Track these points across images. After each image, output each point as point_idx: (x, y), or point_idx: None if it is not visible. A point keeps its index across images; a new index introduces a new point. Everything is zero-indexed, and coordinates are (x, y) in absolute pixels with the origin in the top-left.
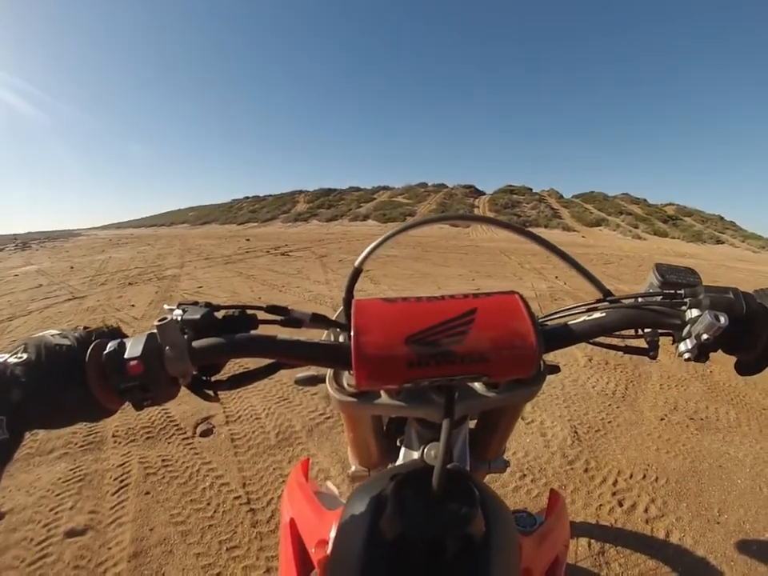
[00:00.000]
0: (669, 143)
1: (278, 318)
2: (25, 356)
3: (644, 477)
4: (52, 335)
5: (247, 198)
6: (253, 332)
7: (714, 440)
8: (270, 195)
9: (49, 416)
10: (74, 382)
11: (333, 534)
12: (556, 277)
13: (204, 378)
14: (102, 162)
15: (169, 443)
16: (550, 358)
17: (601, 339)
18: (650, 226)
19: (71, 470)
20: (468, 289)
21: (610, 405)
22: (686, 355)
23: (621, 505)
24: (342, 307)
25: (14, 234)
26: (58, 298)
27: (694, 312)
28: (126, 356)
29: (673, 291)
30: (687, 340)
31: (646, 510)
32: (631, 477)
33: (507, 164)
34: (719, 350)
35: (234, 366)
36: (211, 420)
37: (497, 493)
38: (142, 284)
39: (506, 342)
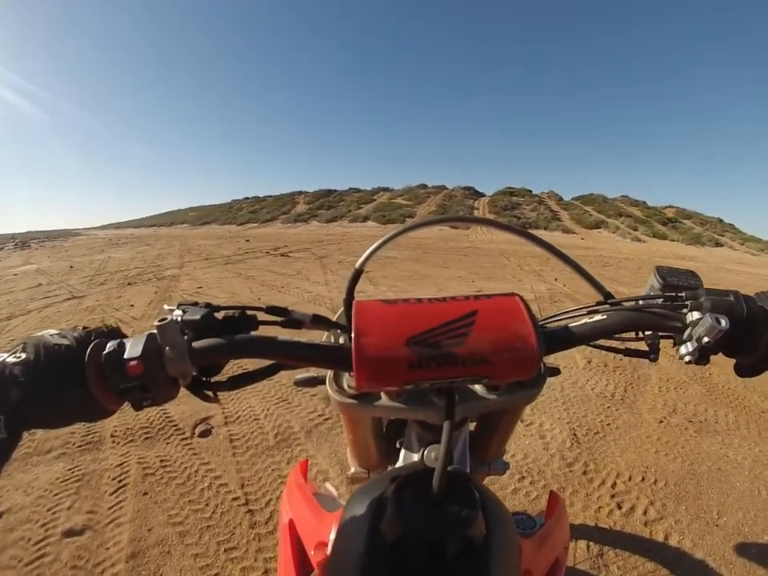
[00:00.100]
0: (668, 145)
1: (279, 318)
2: (23, 356)
3: (643, 479)
4: (51, 335)
5: (247, 198)
6: (253, 333)
7: (713, 443)
8: (270, 196)
9: (47, 416)
10: (73, 381)
11: (332, 536)
12: (555, 279)
13: (204, 378)
14: (102, 161)
15: (167, 444)
16: (550, 360)
17: (601, 342)
18: (649, 229)
19: (69, 469)
20: (468, 290)
21: (608, 407)
22: (687, 358)
23: (620, 507)
24: (342, 308)
25: (12, 234)
26: (57, 297)
27: (695, 315)
28: (125, 356)
29: (674, 294)
30: (688, 342)
31: (644, 513)
32: (630, 479)
33: (507, 165)
34: (720, 353)
35: (233, 367)
36: (210, 421)
37: (497, 495)
38: (141, 284)
39: (506, 344)
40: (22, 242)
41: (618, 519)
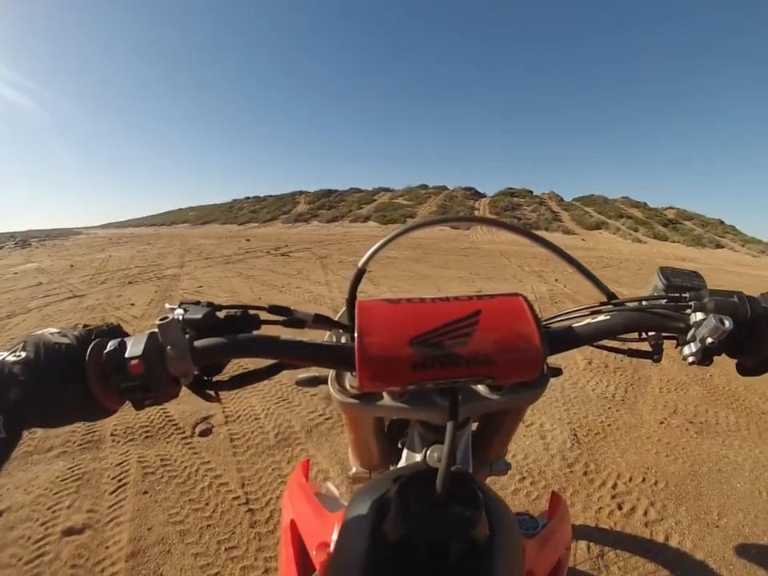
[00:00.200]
0: (669, 146)
1: (281, 318)
2: (23, 354)
3: (643, 480)
4: (51, 333)
5: (248, 198)
6: (255, 332)
7: (714, 444)
8: (271, 196)
9: (47, 415)
10: (74, 380)
11: (335, 536)
12: (556, 280)
13: (205, 378)
14: (103, 160)
15: (167, 443)
16: (551, 360)
17: (604, 342)
18: (650, 230)
19: (69, 468)
20: (468, 291)
21: (609, 408)
22: (691, 359)
23: (620, 508)
24: (344, 308)
25: (11, 233)
26: (57, 296)
27: (699, 315)
28: (126, 355)
29: (678, 294)
30: (692, 343)
31: (645, 514)
32: (631, 480)
33: (507, 166)
34: (723, 354)
35: (234, 367)
36: (210, 420)
37: (500, 496)
38: (141, 283)
39: (510, 345)
40: (23, 240)
41: (619, 520)
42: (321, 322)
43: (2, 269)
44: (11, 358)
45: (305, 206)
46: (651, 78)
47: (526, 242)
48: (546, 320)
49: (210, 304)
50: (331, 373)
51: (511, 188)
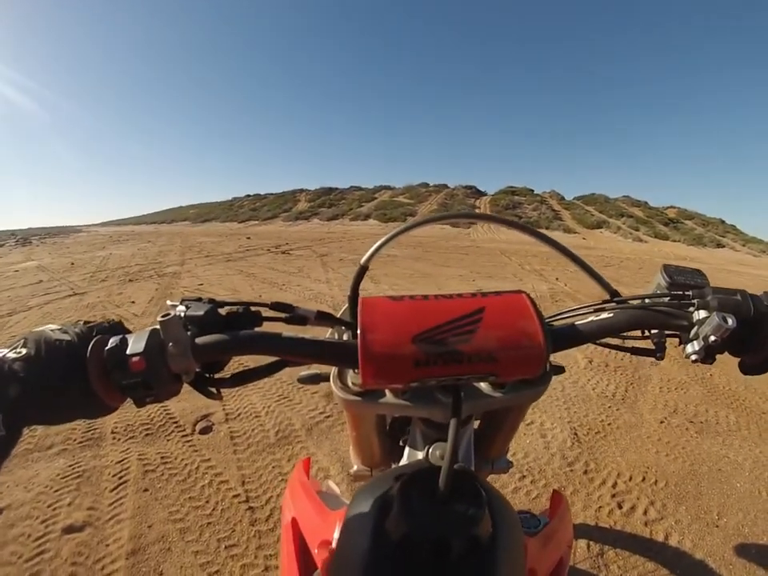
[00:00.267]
0: (670, 145)
1: (283, 315)
2: (24, 351)
3: (643, 479)
4: (52, 330)
5: (248, 196)
6: (257, 329)
7: (714, 443)
8: (272, 193)
9: (47, 412)
10: (75, 377)
11: (336, 535)
12: (556, 278)
13: (207, 375)
14: (103, 158)
15: (168, 440)
16: (553, 358)
17: (607, 340)
18: (650, 229)
19: (70, 466)
20: (469, 290)
21: (609, 407)
22: (693, 356)
23: (620, 507)
24: (346, 305)
25: (12, 230)
26: (58, 294)
27: (702, 313)
28: (128, 352)
29: (681, 292)
30: (694, 341)
31: (645, 513)
32: (631, 479)
33: (508, 165)
34: (726, 352)
35: (234, 365)
36: (210, 417)
37: (502, 494)
38: (142, 281)
39: (513, 342)
40: (23, 238)
41: (619, 519)
42: (323, 318)
43: (2, 266)
44: (11, 355)
45: (305, 203)
46: (653, 78)
47: (527, 240)
48: (548, 317)
49: (211, 301)
50: (333, 370)
51: (512, 186)
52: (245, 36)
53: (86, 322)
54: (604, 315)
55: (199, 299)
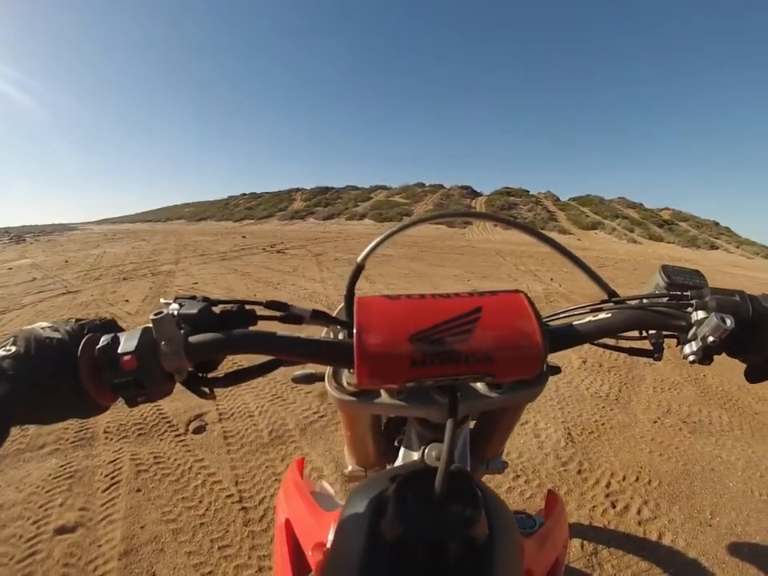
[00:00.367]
0: (666, 147)
1: (278, 313)
2: (13, 349)
3: (637, 479)
4: (43, 328)
5: (244, 194)
6: (251, 328)
7: (707, 443)
8: (267, 192)
9: (37, 411)
10: (65, 376)
11: (331, 536)
12: (551, 279)
13: (200, 374)
14: (98, 156)
15: (161, 440)
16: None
17: (605, 340)
18: (645, 231)
19: (62, 466)
20: (464, 289)
21: (603, 407)
22: (691, 357)
23: (614, 506)
24: (342, 304)
25: (6, 228)
26: (52, 291)
27: (700, 314)
28: (119, 350)
29: (679, 293)
30: (693, 342)
31: (638, 512)
32: (624, 479)
33: (504, 165)
34: (723, 353)
35: (228, 364)
36: (204, 417)
37: (498, 495)
38: (136, 279)
39: (511, 342)
40: (17, 236)
41: (612, 518)
42: (319, 317)
43: None
44: (1, 353)
45: (301, 203)
46: (651, 78)
47: (523, 241)
48: (546, 317)
49: (205, 299)
50: (328, 370)
51: (508, 187)
52: (242, 34)
53: (77, 320)
54: (602, 315)
55: (193, 297)
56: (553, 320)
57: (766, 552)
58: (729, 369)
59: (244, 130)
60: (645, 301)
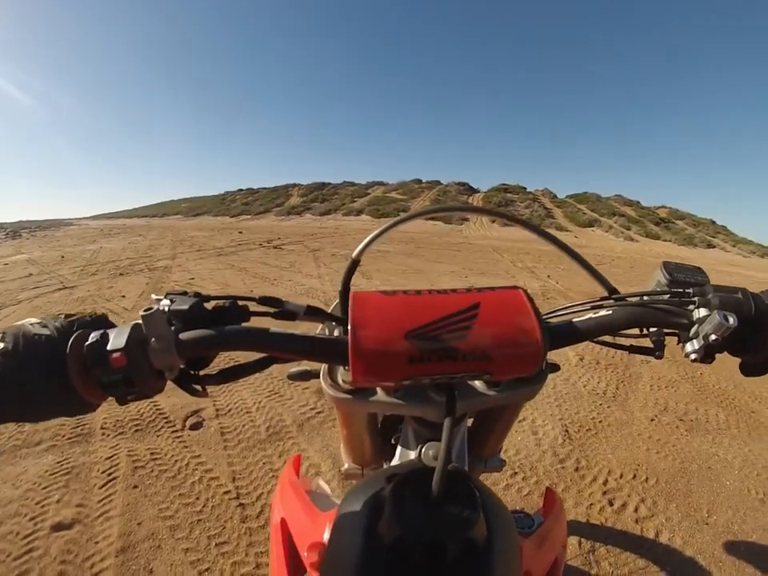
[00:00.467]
0: (663, 146)
1: (271, 309)
2: (1, 345)
3: (634, 477)
4: (32, 324)
5: (241, 190)
6: (244, 324)
7: (704, 442)
8: (264, 188)
9: (25, 409)
10: (54, 373)
11: (327, 536)
12: (548, 276)
13: (192, 371)
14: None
15: (158, 436)
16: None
17: (605, 338)
18: (642, 228)
19: (59, 462)
20: (461, 286)
21: (600, 404)
22: (693, 356)
23: (611, 504)
24: (337, 301)
25: (1, 223)
26: (48, 287)
27: (702, 311)
28: (108, 347)
29: (681, 290)
30: (694, 340)
31: (636, 510)
32: (621, 476)
33: (502, 162)
34: (725, 352)
35: (225, 360)
36: (201, 413)
37: (497, 494)
38: (133, 275)
39: (510, 339)
40: (13, 231)
41: (610, 516)
42: (313, 313)
43: None
44: None
45: (298, 198)
46: (649, 79)
47: (520, 238)
48: (545, 314)
49: (197, 294)
50: (323, 367)
51: (505, 184)
52: (240, 31)
53: (66, 316)
54: (602, 312)
55: (184, 293)
56: (552, 317)
57: (763, 551)
58: (725, 367)
59: (241, 126)
60: (646, 298)
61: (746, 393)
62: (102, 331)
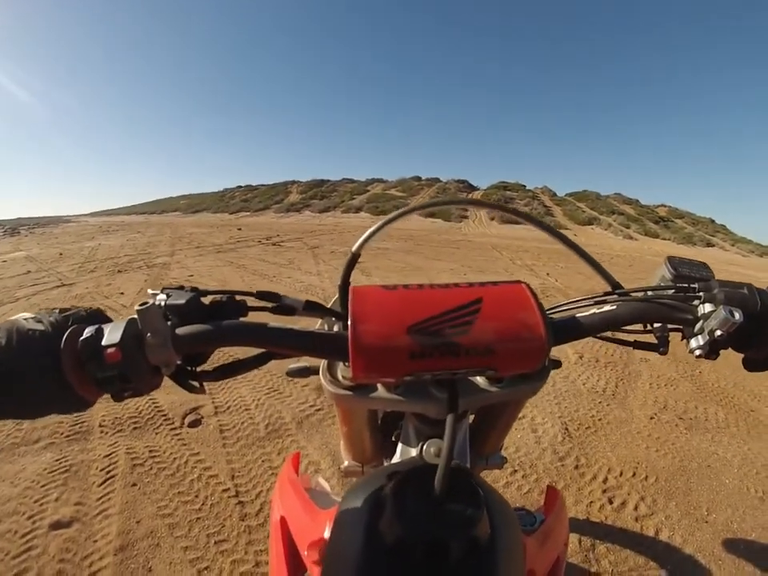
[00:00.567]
0: (663, 144)
1: (269, 304)
2: None
3: (634, 475)
4: (26, 319)
5: (240, 187)
6: (242, 319)
7: (703, 440)
8: (263, 185)
9: (19, 405)
10: (48, 369)
11: (327, 535)
12: (547, 274)
13: (189, 367)
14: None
15: (156, 434)
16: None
17: (609, 333)
18: (641, 227)
19: (57, 460)
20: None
21: (600, 402)
22: (698, 352)
23: (611, 502)
24: (336, 295)
25: (0, 220)
26: (46, 284)
27: (708, 307)
28: (103, 343)
29: (686, 285)
30: (699, 336)
31: (635, 508)
32: (621, 474)
33: (501, 160)
34: (730, 348)
35: (224, 356)
36: (200, 410)
37: (499, 492)
38: (131, 272)
39: (513, 334)
40: (12, 228)
41: (610, 514)
42: (312, 309)
43: None
44: None
45: (297, 195)
46: (651, 77)
47: (518, 235)
48: (548, 309)
49: (194, 289)
50: (323, 363)
51: (504, 182)
52: (240, 28)
53: (61, 310)
54: (606, 308)
55: (181, 287)
56: (555, 312)
57: (763, 549)
58: (725, 365)
59: (240, 123)
60: (650, 293)
61: (745, 391)
62: (96, 326)
